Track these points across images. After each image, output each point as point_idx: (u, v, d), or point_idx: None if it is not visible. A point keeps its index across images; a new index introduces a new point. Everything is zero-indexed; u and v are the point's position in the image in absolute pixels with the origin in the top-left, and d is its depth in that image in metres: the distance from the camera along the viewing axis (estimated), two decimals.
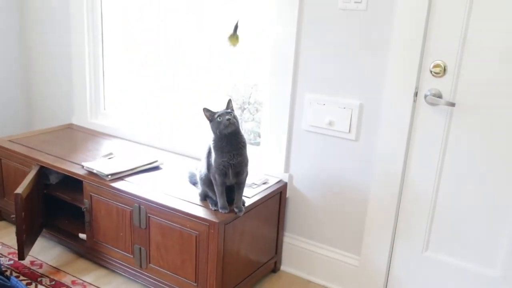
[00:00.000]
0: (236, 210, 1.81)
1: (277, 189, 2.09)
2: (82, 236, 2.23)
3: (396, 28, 1.79)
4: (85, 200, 2.12)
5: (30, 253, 2.27)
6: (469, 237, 1.83)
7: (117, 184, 2.00)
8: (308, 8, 1.96)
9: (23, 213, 2.03)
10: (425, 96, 1.80)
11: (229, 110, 1.74)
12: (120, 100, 2.78)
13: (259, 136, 2.31)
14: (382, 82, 1.87)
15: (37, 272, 2.14)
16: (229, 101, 1.77)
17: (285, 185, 2.14)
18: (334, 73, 1.97)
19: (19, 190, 2.01)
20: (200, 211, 1.81)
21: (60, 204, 2.36)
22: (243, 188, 1.84)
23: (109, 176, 2.04)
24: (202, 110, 1.73)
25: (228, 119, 1.68)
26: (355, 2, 1.86)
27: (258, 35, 2.21)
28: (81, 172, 2.11)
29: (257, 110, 2.40)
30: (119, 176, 2.07)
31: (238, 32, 2.03)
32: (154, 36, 2.54)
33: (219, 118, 1.70)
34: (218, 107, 1.78)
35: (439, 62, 1.75)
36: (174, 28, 2.47)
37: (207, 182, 1.85)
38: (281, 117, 2.12)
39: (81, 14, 2.66)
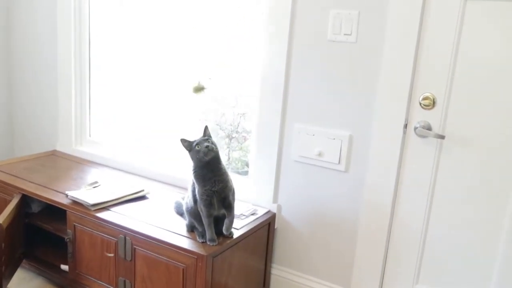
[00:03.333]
0: (225, 233, 1.79)
1: (266, 220, 2.06)
2: (64, 267, 2.16)
3: (386, 60, 1.80)
4: (68, 230, 2.06)
5: (9, 284, 2.17)
6: (460, 270, 1.81)
7: (102, 214, 1.96)
8: (297, 38, 1.97)
9: (3, 244, 1.96)
10: (415, 128, 1.80)
11: (206, 137, 1.74)
12: (107, 127, 2.73)
13: (247, 166, 2.30)
14: (372, 114, 1.87)
15: None
16: (206, 128, 1.78)
17: (274, 215, 2.12)
18: (323, 104, 1.97)
19: (0, 220, 1.95)
20: (188, 243, 1.78)
21: (42, 234, 2.29)
22: (233, 211, 1.81)
23: (94, 206, 2.00)
24: (180, 141, 1.74)
25: (207, 146, 1.69)
26: (345, 35, 1.87)
27: (246, 64, 2.21)
28: (64, 201, 2.06)
29: (245, 139, 2.40)
30: (104, 206, 2.03)
31: (201, 84, 2.11)
32: (142, 63, 2.53)
33: (198, 147, 1.70)
34: (195, 135, 1.78)
35: (428, 94, 1.76)
36: (162, 55, 2.46)
37: (194, 214, 1.83)
38: (270, 146, 2.10)
39: (68, 39, 2.63)
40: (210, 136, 1.76)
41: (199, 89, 2.16)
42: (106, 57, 2.66)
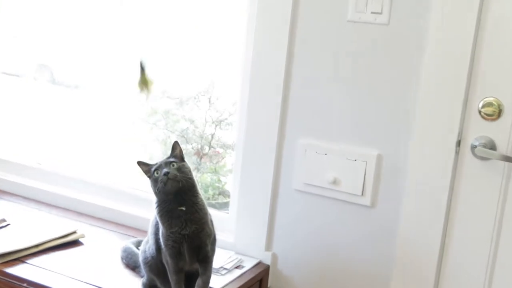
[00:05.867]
0: None
1: (256, 275, 2.02)
2: None
3: (431, 50, 1.76)
4: None
5: None
6: None
7: (13, 269, 1.89)
8: (303, 21, 1.94)
9: None
10: (473, 147, 1.77)
11: (171, 159, 1.73)
12: (19, 141, 2.79)
13: (226, 196, 2.32)
14: (410, 125, 1.83)
15: None
16: (175, 145, 1.77)
17: (267, 269, 2.07)
18: (339, 110, 1.93)
19: None
20: None
21: None
22: (210, 267, 1.78)
23: (1, 257, 1.93)
24: (136, 164, 1.77)
25: (166, 173, 1.67)
26: (373, 13, 1.83)
27: (225, 43, 2.27)
28: None
29: (222, 158, 2.43)
30: (16, 256, 1.95)
31: (146, 72, 2.10)
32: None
33: (156, 173, 1.71)
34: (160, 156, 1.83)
35: (491, 99, 1.74)
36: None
37: (156, 268, 1.80)
38: (262, 169, 2.05)
39: None
40: (178, 158, 1.75)
41: (145, 82, 2.10)
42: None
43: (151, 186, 1.73)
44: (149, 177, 1.74)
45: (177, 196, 1.70)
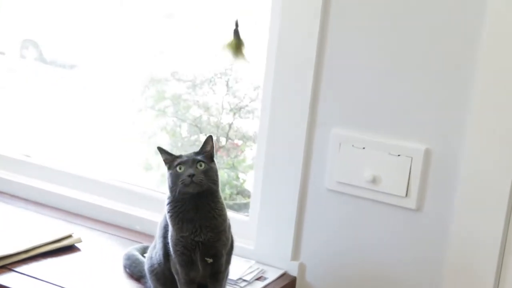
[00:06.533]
0: None
1: None
2: None
3: (491, 21, 1.70)
4: None
5: None
6: None
7: (1, 279, 1.87)
8: None
9: None
10: None
11: (199, 158, 1.72)
12: (4, 129, 2.78)
13: (245, 196, 2.35)
14: (465, 115, 1.77)
15: None
16: (208, 140, 1.76)
17: (293, 281, 2.04)
18: (382, 96, 1.88)
19: None
20: None
21: None
22: (221, 281, 1.78)
23: None
24: (157, 150, 1.77)
25: (191, 175, 1.66)
26: None
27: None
28: None
29: (242, 151, 2.45)
30: (2, 264, 1.95)
31: (240, 36, 2.01)
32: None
33: (180, 169, 1.69)
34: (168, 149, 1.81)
35: None
36: None
37: (163, 277, 1.79)
38: (289, 165, 2.02)
39: None
40: (207, 156, 1.74)
41: (239, 45, 2.03)
42: None
43: (168, 179, 1.72)
44: (168, 168, 1.73)
45: (194, 197, 1.69)
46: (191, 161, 1.69)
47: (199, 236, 1.69)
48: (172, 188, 1.71)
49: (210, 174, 1.70)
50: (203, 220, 1.70)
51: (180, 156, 1.73)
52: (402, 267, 1.94)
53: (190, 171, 1.67)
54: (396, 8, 1.86)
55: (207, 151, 1.74)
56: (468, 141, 1.78)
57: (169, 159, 1.74)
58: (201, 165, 1.69)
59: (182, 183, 1.68)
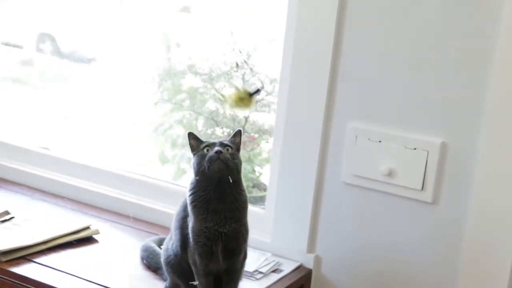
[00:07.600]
0: None
1: (296, 281, 2.00)
2: None
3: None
4: None
5: None
6: None
7: (18, 269, 1.88)
8: None
9: None
10: None
11: (226, 142, 1.73)
12: (23, 123, 2.81)
13: (261, 189, 2.36)
14: (482, 108, 1.76)
15: None
16: (238, 133, 1.78)
17: (309, 274, 2.04)
18: (398, 89, 1.88)
19: None
20: None
21: None
22: (236, 280, 1.79)
23: (5, 255, 1.93)
24: (187, 135, 1.78)
25: (219, 152, 1.65)
26: None
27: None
28: None
29: (258, 144, 2.47)
30: (22, 254, 1.95)
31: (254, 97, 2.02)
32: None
33: (207, 150, 1.70)
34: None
35: None
36: None
37: (180, 269, 1.78)
38: (305, 158, 2.02)
39: None
40: (236, 145, 1.76)
41: (246, 103, 1.96)
42: None
43: (194, 163, 1.73)
44: (195, 153, 1.73)
45: (220, 186, 1.68)
46: (219, 143, 1.70)
47: (224, 227, 1.68)
48: (198, 170, 1.70)
49: (236, 161, 1.71)
50: (227, 211, 1.70)
51: (207, 141, 1.74)
52: (417, 260, 1.94)
53: (218, 148, 1.67)
54: (414, 2, 1.86)
55: (234, 141, 1.75)
56: (484, 135, 1.78)
57: (197, 143, 1.74)
58: (228, 150, 1.69)
59: (208, 162, 1.67)
